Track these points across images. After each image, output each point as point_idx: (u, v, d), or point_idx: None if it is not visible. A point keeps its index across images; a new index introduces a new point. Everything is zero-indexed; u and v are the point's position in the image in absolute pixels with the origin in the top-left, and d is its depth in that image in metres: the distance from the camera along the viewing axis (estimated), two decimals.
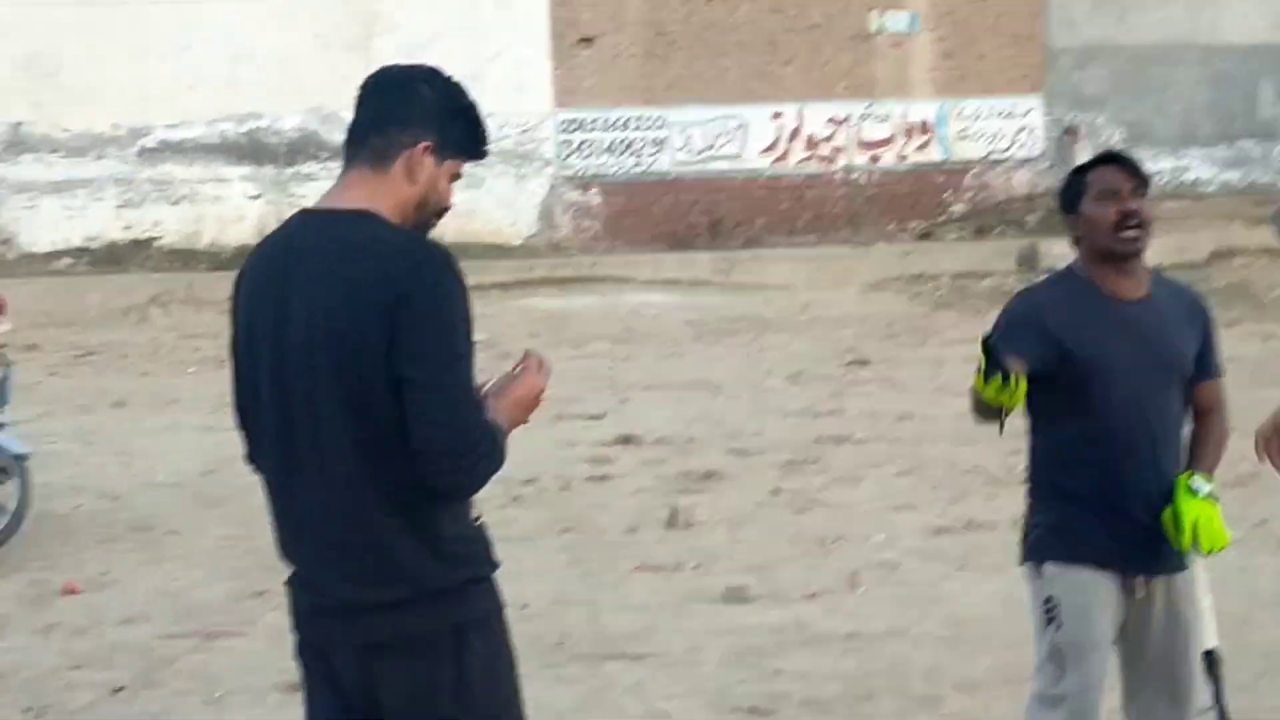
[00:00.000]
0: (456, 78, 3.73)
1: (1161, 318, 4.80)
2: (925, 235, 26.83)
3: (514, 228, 26.27)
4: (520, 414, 3.66)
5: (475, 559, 3.62)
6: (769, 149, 27.26)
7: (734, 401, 14.71)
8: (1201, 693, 4.85)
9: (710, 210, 26.27)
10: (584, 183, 26.64)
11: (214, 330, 20.63)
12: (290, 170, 24.86)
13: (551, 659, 7.48)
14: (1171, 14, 27.70)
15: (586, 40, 26.43)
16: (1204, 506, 4.63)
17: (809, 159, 27.45)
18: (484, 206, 25.94)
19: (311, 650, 3.72)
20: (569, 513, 10.60)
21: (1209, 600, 4.79)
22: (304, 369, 3.50)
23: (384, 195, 3.57)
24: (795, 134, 27.36)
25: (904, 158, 27.67)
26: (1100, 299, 4.76)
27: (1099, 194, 4.75)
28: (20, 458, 9.62)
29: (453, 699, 3.56)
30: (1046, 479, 4.85)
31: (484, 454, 3.41)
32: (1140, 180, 4.79)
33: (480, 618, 3.61)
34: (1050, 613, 4.73)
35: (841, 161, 27.45)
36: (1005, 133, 27.85)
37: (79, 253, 24.93)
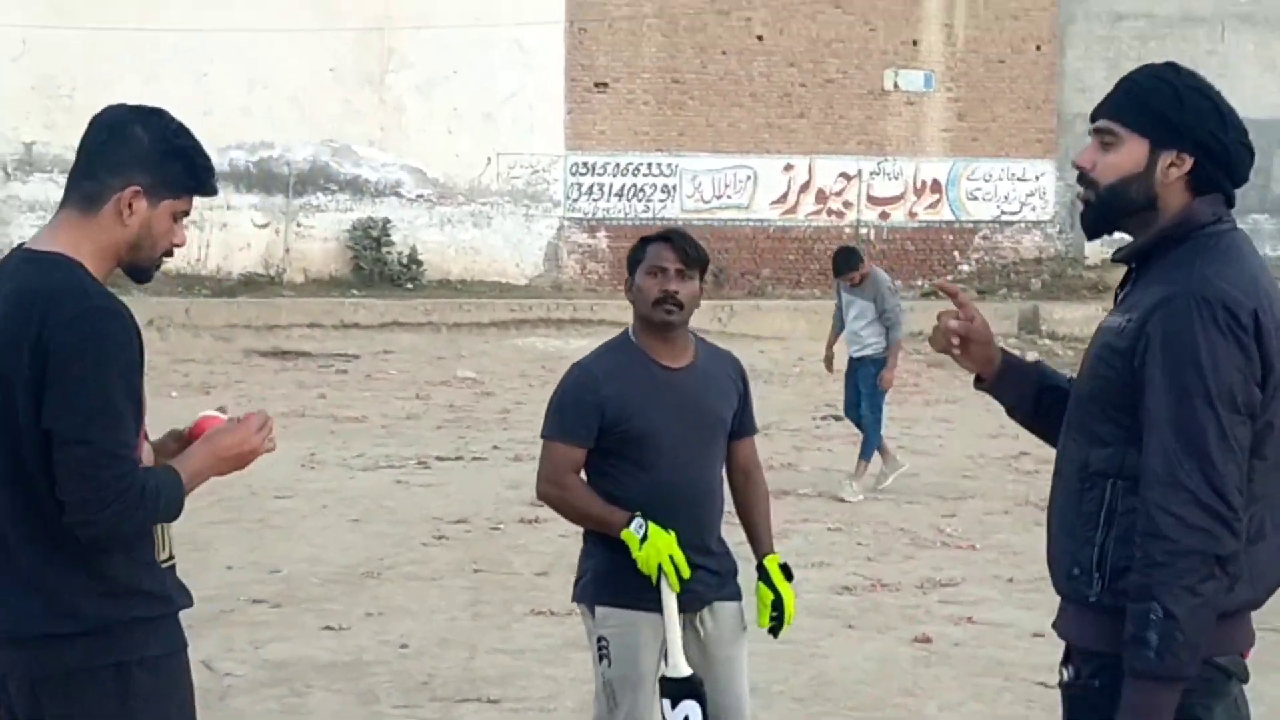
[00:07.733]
0: (178, 119, 3.75)
1: (704, 383, 5.14)
2: (930, 293, 26.83)
3: (519, 267, 26.40)
4: (220, 466, 3.70)
5: (148, 599, 3.63)
6: (778, 200, 27.36)
7: None
8: None
9: (716, 259, 26.20)
10: (591, 226, 26.76)
11: (207, 356, 20.75)
12: (299, 201, 24.97)
13: (410, 699, 7.50)
14: None
15: (601, 85, 26.59)
16: (790, 593, 5.14)
17: (818, 212, 27.53)
18: (490, 245, 26.11)
19: None
20: (486, 554, 10.62)
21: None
22: None
23: (90, 238, 3.59)
24: (805, 187, 27.45)
25: (914, 215, 27.71)
26: (649, 366, 5.08)
27: (650, 268, 5.05)
28: None
29: None
30: None
31: (122, 511, 3.41)
32: (689, 260, 5.05)
33: (149, 656, 3.62)
34: (602, 651, 5.04)
35: (850, 216, 27.50)
36: (1016, 195, 27.84)
37: None
